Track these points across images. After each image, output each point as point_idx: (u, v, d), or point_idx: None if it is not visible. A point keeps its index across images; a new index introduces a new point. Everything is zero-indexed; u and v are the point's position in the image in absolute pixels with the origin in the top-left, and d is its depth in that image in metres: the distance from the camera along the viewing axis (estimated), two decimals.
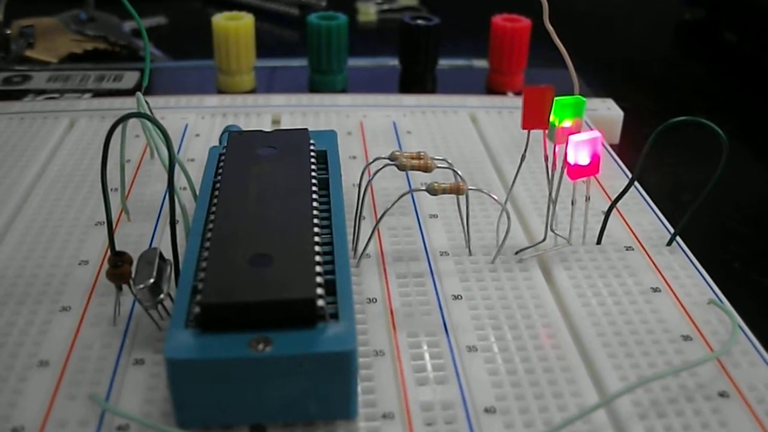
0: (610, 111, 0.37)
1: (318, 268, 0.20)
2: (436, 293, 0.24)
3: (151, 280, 0.21)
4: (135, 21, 0.30)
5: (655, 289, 0.25)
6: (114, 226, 0.23)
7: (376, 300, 0.24)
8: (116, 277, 0.22)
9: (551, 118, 0.25)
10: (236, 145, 0.26)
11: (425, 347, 0.22)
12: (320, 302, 0.19)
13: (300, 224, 0.22)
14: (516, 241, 0.27)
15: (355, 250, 0.26)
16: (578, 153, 0.25)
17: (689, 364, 0.21)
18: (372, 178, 0.25)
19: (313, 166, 0.25)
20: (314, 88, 0.41)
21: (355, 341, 0.19)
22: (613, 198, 0.27)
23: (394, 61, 0.44)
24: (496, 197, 0.25)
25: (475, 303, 0.24)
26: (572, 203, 0.26)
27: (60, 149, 0.32)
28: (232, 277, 0.20)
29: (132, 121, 0.33)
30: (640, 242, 0.27)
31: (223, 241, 0.21)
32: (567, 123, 0.25)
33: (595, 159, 0.25)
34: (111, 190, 0.25)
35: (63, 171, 0.30)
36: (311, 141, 0.27)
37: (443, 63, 0.42)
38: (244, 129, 0.33)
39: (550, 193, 0.26)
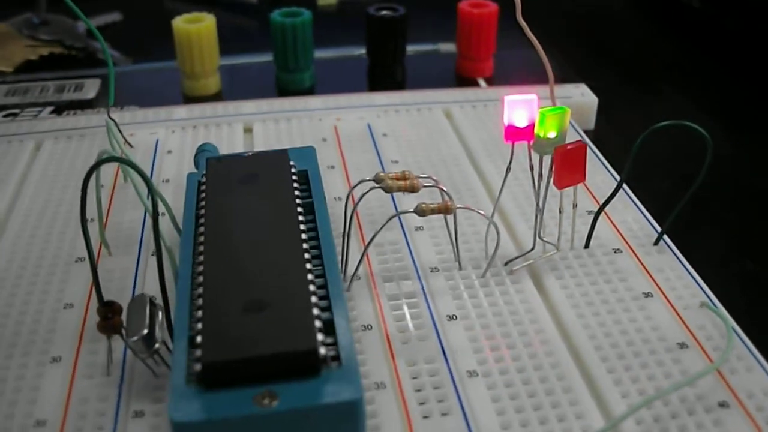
0: (584, 97, 0.37)
1: (315, 311, 0.20)
2: (431, 315, 0.24)
3: (145, 331, 0.21)
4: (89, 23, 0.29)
5: (647, 294, 0.25)
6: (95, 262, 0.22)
7: (371, 327, 0.24)
8: (107, 329, 0.21)
9: (537, 130, 0.24)
10: (216, 174, 0.26)
11: (426, 376, 0.22)
12: (322, 350, 0.19)
13: (291, 262, 0.22)
14: (504, 250, 0.27)
15: (344, 273, 0.25)
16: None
17: (689, 378, 0.21)
18: (357, 204, 0.25)
19: (297, 192, 0.25)
20: (282, 86, 0.41)
21: (362, 387, 0.19)
22: (599, 199, 0.27)
23: (360, 50, 0.43)
24: (483, 213, 0.25)
25: (470, 323, 0.24)
26: (560, 212, 0.26)
27: (28, 177, 0.31)
28: (231, 329, 0.19)
29: (101, 139, 0.33)
30: (627, 243, 0.27)
31: (215, 286, 0.21)
32: (552, 134, 0.24)
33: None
34: (88, 220, 0.25)
35: (35, 202, 0.30)
36: (291, 163, 0.26)
37: (409, 49, 0.42)
38: (216, 141, 0.33)
39: (537, 203, 0.25)
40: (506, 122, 0.25)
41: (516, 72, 0.41)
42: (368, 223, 0.28)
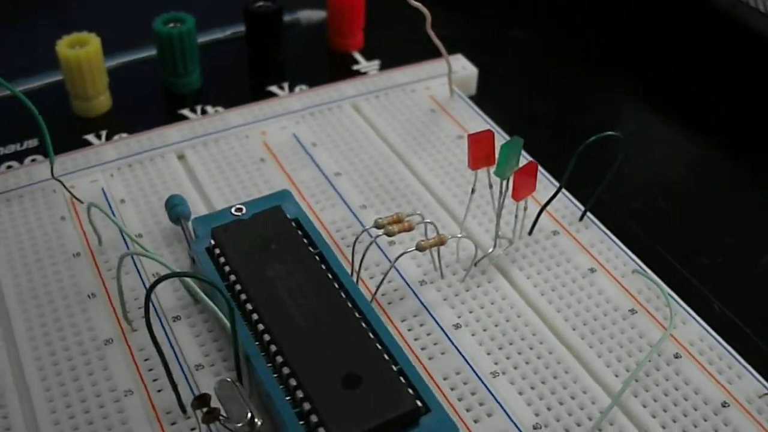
0: (465, 70, 0.41)
1: (393, 367, 0.25)
2: (441, 328, 0.29)
3: (249, 414, 0.24)
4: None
5: (592, 270, 0.31)
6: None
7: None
8: (212, 419, 0.24)
9: (499, 162, 0.29)
10: (229, 243, 0.28)
11: (462, 385, 0.27)
12: (418, 403, 0.24)
13: (352, 328, 0.26)
14: (468, 252, 0.32)
15: None
16: (523, 186, 0.30)
17: (655, 347, 0.28)
18: (365, 253, 0.29)
19: (311, 250, 0.28)
20: (170, 89, 0.42)
21: (455, 424, 0.24)
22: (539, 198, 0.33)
23: (236, 29, 0.45)
24: (461, 234, 0.30)
25: (473, 328, 0.29)
26: (515, 217, 0.31)
27: None
28: (342, 405, 0.23)
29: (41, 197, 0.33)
30: (561, 224, 0.33)
31: (304, 365, 0.24)
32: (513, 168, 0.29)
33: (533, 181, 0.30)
34: (88, 295, 0.27)
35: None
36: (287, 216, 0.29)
37: None
38: (157, 176, 0.34)
39: (498, 213, 0.31)
40: (471, 157, 0.29)
41: (389, 44, 0.45)
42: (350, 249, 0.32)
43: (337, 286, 0.27)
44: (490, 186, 0.31)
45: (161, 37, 0.40)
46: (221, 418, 0.25)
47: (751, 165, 0.41)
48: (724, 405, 0.27)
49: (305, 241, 0.29)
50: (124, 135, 0.38)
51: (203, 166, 0.36)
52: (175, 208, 0.32)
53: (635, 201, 0.37)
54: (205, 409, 0.24)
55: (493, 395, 0.27)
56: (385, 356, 0.25)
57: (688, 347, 0.29)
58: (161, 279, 0.24)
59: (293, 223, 0.29)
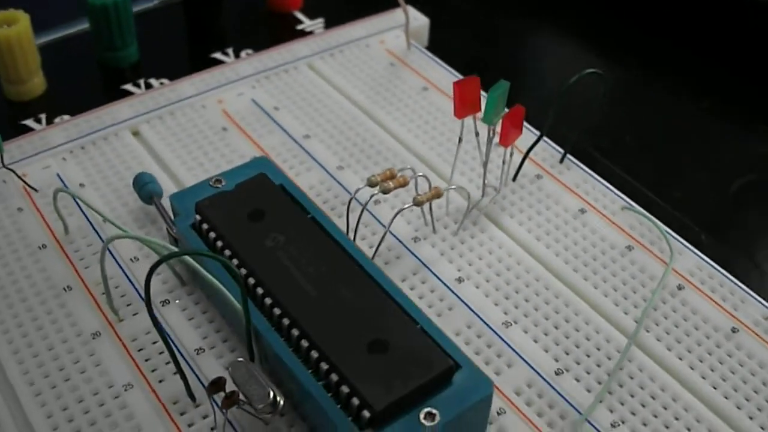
0: (417, 21, 0.40)
1: (427, 328, 0.24)
2: (444, 284, 0.28)
3: (271, 394, 0.23)
4: None
5: (582, 210, 0.31)
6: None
7: None
8: (232, 403, 0.23)
9: (487, 108, 0.28)
10: (217, 217, 0.26)
11: (476, 339, 0.27)
12: (450, 362, 0.23)
13: (367, 291, 0.24)
14: (456, 204, 0.31)
15: None
16: (511, 131, 0.29)
17: (661, 281, 0.28)
18: (362, 213, 0.28)
19: (309, 215, 0.27)
20: (106, 64, 0.39)
21: (488, 379, 0.23)
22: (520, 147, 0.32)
23: None
24: (454, 186, 0.29)
25: (476, 280, 0.28)
26: (503, 163, 0.31)
27: None
28: (374, 373, 0.22)
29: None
30: (543, 168, 0.33)
31: (325, 335, 0.23)
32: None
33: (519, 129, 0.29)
34: (64, 288, 0.26)
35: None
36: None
37: None
38: (113, 155, 0.32)
39: (485, 161, 0.30)
40: (457, 105, 0.28)
41: (328, 1, 0.44)
42: (335, 212, 0.31)
43: (340, 249, 0.26)
44: (477, 133, 0.30)
45: (95, 9, 0.37)
46: (240, 401, 0.23)
47: (710, 100, 0.41)
48: (734, 330, 0.27)
49: (300, 206, 0.27)
50: (66, 117, 0.35)
51: (162, 141, 0.33)
52: (146, 186, 0.30)
53: (603, 139, 0.37)
54: (222, 394, 0.23)
55: (509, 345, 0.27)
56: (407, 316, 0.24)
57: (689, 278, 0.29)
58: (164, 259, 0.22)
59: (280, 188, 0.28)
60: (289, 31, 0.42)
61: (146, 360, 0.26)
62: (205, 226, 0.27)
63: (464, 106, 0.29)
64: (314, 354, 0.23)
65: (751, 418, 0.25)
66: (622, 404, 0.25)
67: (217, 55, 0.39)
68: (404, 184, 0.28)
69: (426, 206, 0.29)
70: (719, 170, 0.36)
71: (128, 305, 0.27)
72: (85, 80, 0.39)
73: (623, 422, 0.25)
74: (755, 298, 0.28)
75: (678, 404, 0.25)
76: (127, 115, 0.34)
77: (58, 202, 0.28)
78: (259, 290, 0.25)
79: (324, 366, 0.23)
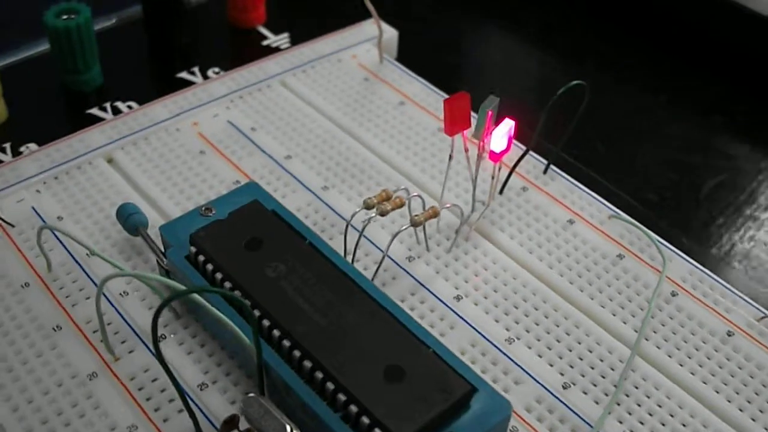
0: (386, 33, 0.40)
1: (439, 352, 0.23)
2: (443, 303, 0.28)
3: (288, 427, 0.22)
4: None
5: (570, 221, 0.31)
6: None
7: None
8: None
9: (478, 125, 0.28)
10: (214, 248, 0.26)
11: (481, 357, 0.27)
12: (469, 386, 0.23)
13: (375, 317, 0.24)
14: (446, 221, 0.31)
15: None
16: (500, 142, 0.29)
17: (656, 289, 0.28)
18: (361, 234, 0.27)
19: (306, 240, 0.26)
20: (69, 88, 0.38)
21: (505, 399, 0.23)
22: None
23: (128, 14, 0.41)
24: (449, 204, 0.29)
25: (474, 297, 0.28)
26: (492, 178, 0.30)
27: None
28: (394, 402, 0.22)
29: None
30: (528, 180, 0.33)
31: (340, 365, 0.23)
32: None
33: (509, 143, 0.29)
34: (53, 329, 0.26)
35: None
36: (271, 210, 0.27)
37: None
38: (89, 184, 0.31)
39: (474, 177, 0.30)
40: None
41: (292, 15, 0.43)
42: (325, 234, 0.30)
43: (341, 274, 0.25)
44: (466, 150, 0.30)
45: (57, 32, 0.36)
46: None
47: (668, 99, 0.42)
48: (729, 334, 0.28)
49: (299, 234, 0.27)
50: (33, 146, 0.34)
51: (139, 167, 0.32)
52: (132, 218, 0.29)
53: (574, 148, 0.37)
54: (241, 430, 0.22)
55: (515, 362, 0.27)
56: (417, 340, 0.24)
57: (681, 284, 0.29)
58: (175, 296, 0.21)
59: (273, 215, 0.27)
60: (254, 48, 0.41)
61: (147, 399, 0.25)
62: (201, 258, 0.26)
63: (454, 123, 0.28)
64: (330, 386, 0.23)
65: (753, 420, 0.26)
66: (630, 414, 0.26)
67: (184, 75, 0.39)
68: (401, 206, 0.28)
69: (424, 231, 0.29)
70: (689, 171, 0.37)
71: (123, 342, 0.26)
72: (49, 106, 0.37)
73: None
74: (744, 300, 0.29)
75: (684, 411, 0.26)
76: (99, 142, 0.33)
77: (41, 239, 0.27)
78: (266, 322, 0.24)
79: (342, 397, 0.22)
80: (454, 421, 0.22)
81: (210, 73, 0.39)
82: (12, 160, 0.33)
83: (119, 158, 0.33)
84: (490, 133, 0.28)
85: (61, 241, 0.29)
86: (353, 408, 0.22)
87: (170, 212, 0.31)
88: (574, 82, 0.30)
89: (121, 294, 0.28)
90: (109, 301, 0.27)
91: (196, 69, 0.39)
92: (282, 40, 0.41)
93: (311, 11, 0.44)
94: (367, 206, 0.27)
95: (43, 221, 0.30)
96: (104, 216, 0.30)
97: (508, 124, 0.29)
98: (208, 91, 0.36)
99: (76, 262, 0.29)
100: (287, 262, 0.25)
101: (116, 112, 0.36)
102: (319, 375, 0.23)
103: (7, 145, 0.34)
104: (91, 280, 0.28)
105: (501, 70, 0.45)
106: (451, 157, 0.30)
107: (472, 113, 0.28)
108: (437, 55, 0.43)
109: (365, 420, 0.22)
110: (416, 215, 0.28)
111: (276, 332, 0.24)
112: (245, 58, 0.39)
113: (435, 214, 0.28)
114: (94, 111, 0.36)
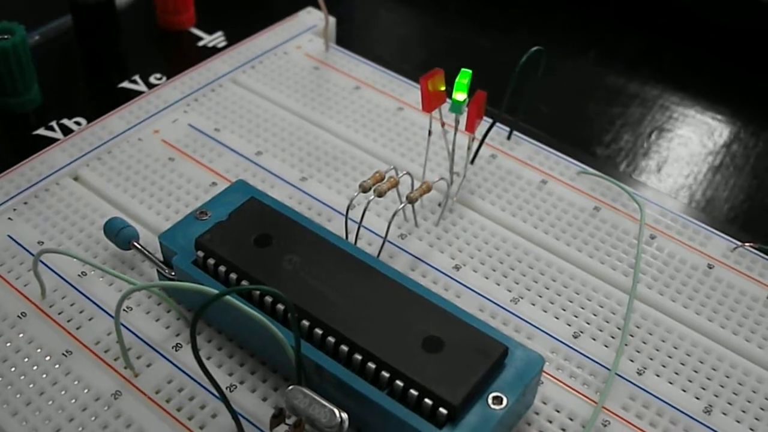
0: (323, 21, 0.40)
1: (465, 318, 0.24)
2: (444, 274, 0.29)
3: (338, 415, 0.23)
4: None
5: (543, 181, 0.33)
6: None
7: None
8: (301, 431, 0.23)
9: (455, 96, 0.29)
10: (223, 249, 0.26)
11: (495, 322, 0.28)
12: (504, 346, 0.24)
13: (400, 295, 0.25)
14: (427, 195, 0.32)
15: None
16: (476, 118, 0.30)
17: (640, 237, 0.30)
18: (363, 218, 0.28)
19: (312, 228, 0.27)
20: (7, 111, 0.36)
21: (538, 353, 0.24)
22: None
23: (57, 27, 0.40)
24: (438, 178, 0.30)
25: (473, 264, 0.29)
26: (468, 149, 0.31)
27: None
28: (437, 370, 0.23)
29: None
30: (495, 147, 0.34)
31: (377, 345, 0.23)
32: (461, 95, 0.29)
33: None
34: (63, 354, 0.25)
35: None
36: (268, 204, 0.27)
37: None
38: (61, 206, 0.31)
39: (452, 150, 0.31)
40: (425, 100, 0.29)
41: (221, 14, 0.43)
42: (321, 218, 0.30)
43: (354, 258, 0.26)
44: (442, 124, 0.30)
45: None
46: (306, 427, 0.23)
47: (596, 51, 0.44)
48: (710, 267, 0.30)
49: (303, 224, 0.27)
50: None
51: (109, 182, 0.32)
52: (122, 232, 0.28)
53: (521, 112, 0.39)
54: (289, 423, 0.23)
55: (524, 320, 0.28)
56: (443, 309, 0.24)
57: (656, 225, 0.31)
58: (214, 299, 0.21)
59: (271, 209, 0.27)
60: (191, 49, 0.40)
61: (178, 409, 0.25)
62: (211, 261, 0.26)
63: (430, 99, 0.29)
64: (371, 366, 0.23)
65: (747, 341, 0.28)
66: (638, 352, 0.27)
67: (126, 84, 0.38)
68: (396, 185, 0.28)
69: (413, 208, 0.30)
70: (630, 121, 0.39)
71: (139, 357, 0.26)
72: None
73: (646, 368, 0.27)
74: (717, 234, 0.31)
75: (686, 342, 0.27)
76: (63, 161, 0.32)
77: (26, 264, 0.27)
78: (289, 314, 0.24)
79: (385, 375, 0.23)
80: (494, 381, 0.23)
81: (152, 80, 0.38)
82: None
83: (85, 175, 0.32)
84: (477, 107, 0.29)
85: (48, 266, 0.28)
86: (398, 383, 0.23)
87: (153, 222, 0.30)
88: (534, 48, 0.31)
89: (125, 309, 0.27)
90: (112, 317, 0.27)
91: (137, 77, 0.38)
92: (217, 39, 0.41)
93: (238, 8, 0.43)
94: (364, 189, 0.28)
95: (25, 249, 0.29)
96: (86, 235, 0.30)
97: (480, 97, 0.30)
98: (161, 97, 0.35)
99: (68, 283, 0.28)
100: (300, 253, 0.26)
101: (66, 130, 0.35)
102: (358, 357, 0.23)
103: None
104: (89, 299, 0.27)
105: (437, 47, 0.46)
106: (430, 132, 0.30)
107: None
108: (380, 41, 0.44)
109: (413, 392, 0.23)
110: (411, 192, 0.28)
111: (306, 322, 0.24)
112: (186, 61, 0.38)
113: (428, 189, 0.29)
114: (41, 131, 0.35)
